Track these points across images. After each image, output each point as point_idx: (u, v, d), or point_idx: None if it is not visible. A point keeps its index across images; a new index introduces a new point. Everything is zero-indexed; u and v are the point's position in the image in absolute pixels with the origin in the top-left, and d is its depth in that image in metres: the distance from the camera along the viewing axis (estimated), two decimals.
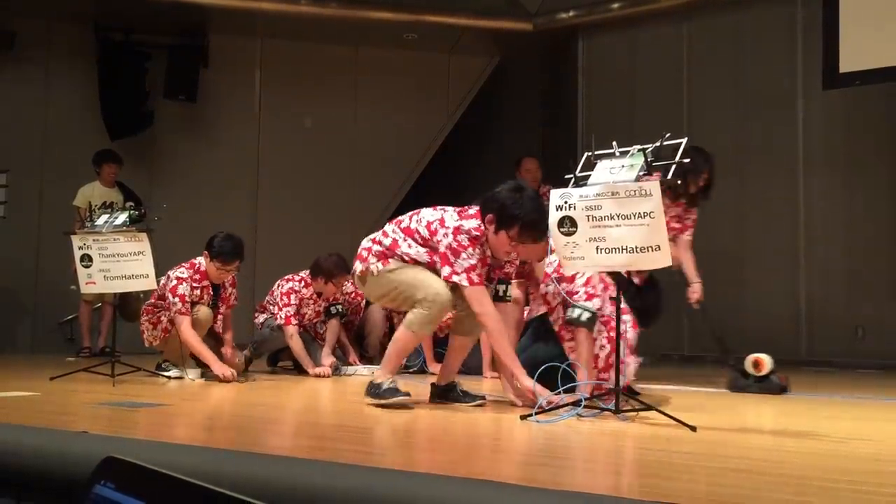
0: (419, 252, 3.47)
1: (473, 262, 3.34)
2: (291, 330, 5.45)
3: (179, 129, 8.64)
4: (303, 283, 5.65)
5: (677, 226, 4.87)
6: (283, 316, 5.49)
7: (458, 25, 8.63)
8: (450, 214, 3.50)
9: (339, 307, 5.76)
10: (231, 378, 4.74)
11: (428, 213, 3.55)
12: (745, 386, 4.38)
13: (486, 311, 3.34)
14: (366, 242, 3.63)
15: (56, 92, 8.38)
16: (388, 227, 3.61)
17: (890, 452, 2.57)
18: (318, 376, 5.29)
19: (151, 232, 4.73)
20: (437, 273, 3.42)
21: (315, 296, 5.67)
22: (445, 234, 3.39)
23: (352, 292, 5.89)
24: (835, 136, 7.21)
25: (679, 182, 4.45)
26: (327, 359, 5.52)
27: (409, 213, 3.62)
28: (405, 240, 3.51)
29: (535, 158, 6.84)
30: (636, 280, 4.41)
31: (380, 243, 3.55)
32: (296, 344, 5.44)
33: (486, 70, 9.43)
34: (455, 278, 3.33)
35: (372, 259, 3.51)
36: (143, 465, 0.74)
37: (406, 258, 3.48)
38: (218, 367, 4.81)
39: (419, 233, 3.48)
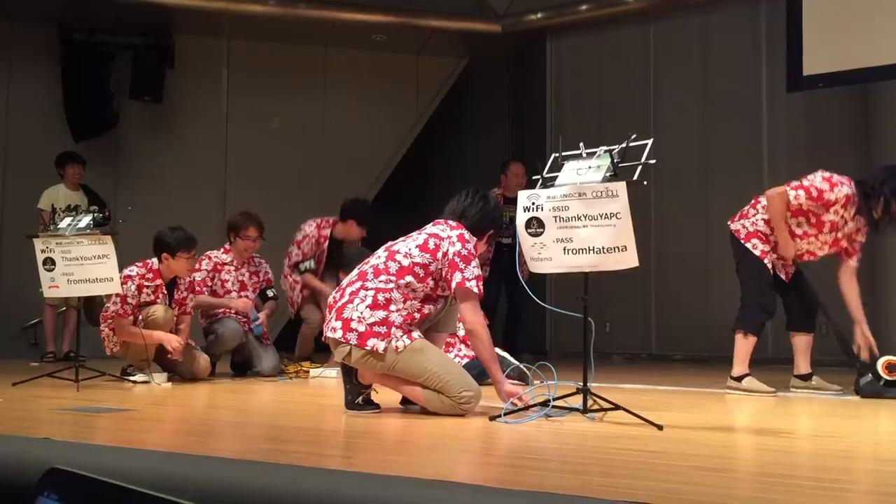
0: (426, 288, 3.33)
1: (479, 272, 3.33)
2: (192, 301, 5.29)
3: (145, 129, 8.55)
4: (222, 250, 5.61)
5: (844, 245, 4.42)
6: (187, 281, 5.24)
7: (426, 27, 8.63)
8: (440, 228, 3.42)
9: (274, 290, 5.74)
10: (180, 348, 4.82)
11: (411, 241, 3.40)
12: (880, 391, 4.04)
13: (479, 320, 3.32)
14: (366, 312, 3.24)
15: (19, 93, 8.25)
16: (379, 282, 3.29)
17: (854, 449, 2.61)
18: (238, 313, 5.39)
19: (116, 235, 4.67)
20: (433, 297, 3.37)
21: (236, 263, 5.62)
22: (452, 243, 3.32)
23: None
24: (798, 137, 7.30)
25: (872, 202, 4.22)
26: (265, 317, 5.59)
27: (384, 257, 3.38)
28: (408, 286, 3.29)
29: (521, 163, 6.84)
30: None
31: (386, 305, 3.25)
32: (200, 300, 5.38)
33: (455, 71, 9.44)
34: (468, 284, 3.26)
35: (397, 333, 3.23)
36: (88, 475, 0.72)
37: (418, 309, 3.33)
38: (167, 341, 4.81)
39: (418, 264, 3.30)
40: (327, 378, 5.27)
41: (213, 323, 5.50)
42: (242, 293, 5.62)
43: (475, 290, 3.28)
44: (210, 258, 5.57)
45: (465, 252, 3.31)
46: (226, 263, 5.59)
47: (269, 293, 5.72)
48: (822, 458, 2.38)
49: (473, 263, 3.32)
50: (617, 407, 3.02)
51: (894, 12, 6.32)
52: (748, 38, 7.59)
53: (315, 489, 1.72)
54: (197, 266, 5.39)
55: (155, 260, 5.01)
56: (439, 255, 3.31)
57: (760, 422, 3.37)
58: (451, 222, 3.45)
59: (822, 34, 6.62)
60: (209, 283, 5.51)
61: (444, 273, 3.32)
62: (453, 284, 3.29)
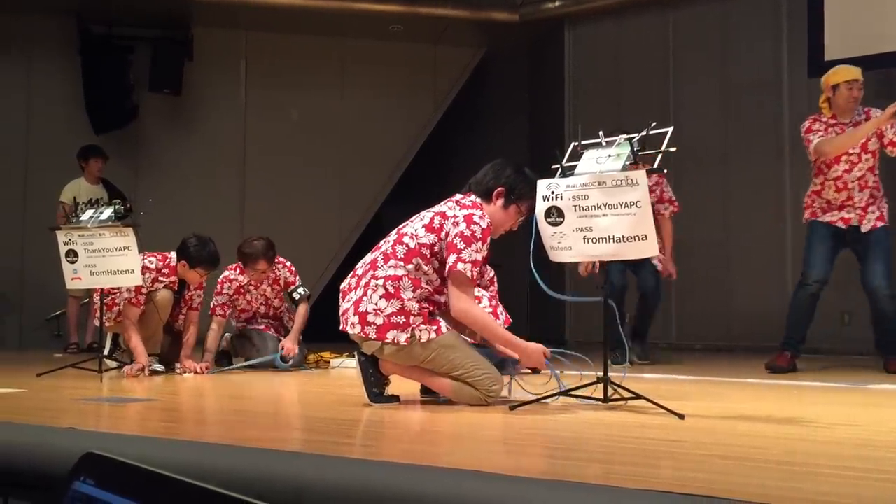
0: (433, 269, 3.25)
1: (479, 257, 3.19)
2: (215, 322, 5.28)
3: (165, 122, 8.61)
4: (238, 270, 5.45)
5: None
6: (211, 304, 5.34)
7: (443, 16, 8.62)
8: (448, 206, 3.32)
9: (302, 289, 5.51)
10: (137, 374, 4.68)
11: (418, 221, 3.31)
12: None
13: (465, 306, 3.19)
14: (381, 302, 3.16)
15: (39, 86, 8.33)
16: (389, 268, 3.20)
17: (875, 438, 2.59)
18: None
19: (138, 227, 4.72)
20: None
21: (254, 282, 5.46)
22: (455, 223, 3.20)
23: None
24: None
25: None
26: (291, 342, 5.30)
27: (393, 241, 3.29)
28: (418, 269, 3.21)
29: None
30: None
31: (397, 293, 3.16)
32: (210, 337, 5.23)
33: (473, 61, 9.43)
34: (460, 266, 3.14)
35: (417, 321, 3.17)
36: (124, 460, 0.73)
37: (429, 295, 3.26)
38: (144, 359, 4.77)
39: (424, 245, 3.22)
40: (348, 368, 5.29)
41: (255, 335, 5.45)
42: (268, 305, 5.57)
43: (468, 274, 3.14)
44: (230, 281, 5.43)
45: (468, 233, 3.17)
46: (244, 285, 5.47)
47: (296, 295, 5.49)
48: (843, 447, 2.37)
49: (474, 247, 3.17)
50: (638, 396, 3.02)
51: None
52: (768, 23, 7.52)
53: (340, 478, 1.73)
54: (218, 289, 5.39)
55: (174, 255, 5.07)
56: (443, 234, 3.21)
57: (782, 411, 3.35)
58: (465, 200, 3.36)
59: (844, 19, 6.55)
60: (230, 306, 5.44)
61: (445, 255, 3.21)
62: (447, 266, 3.18)
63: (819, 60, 6.66)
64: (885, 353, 4.97)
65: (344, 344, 4.70)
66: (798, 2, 7.07)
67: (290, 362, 5.31)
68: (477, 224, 3.21)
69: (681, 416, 2.80)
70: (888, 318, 4.83)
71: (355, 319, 3.22)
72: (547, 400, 3.17)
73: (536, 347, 3.25)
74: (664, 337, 7.81)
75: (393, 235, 3.35)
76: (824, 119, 4.96)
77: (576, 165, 3.13)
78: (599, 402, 3.07)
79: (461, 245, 3.16)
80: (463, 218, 3.22)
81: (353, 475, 1.74)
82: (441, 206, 3.37)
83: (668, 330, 7.84)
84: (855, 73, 4.90)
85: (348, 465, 1.85)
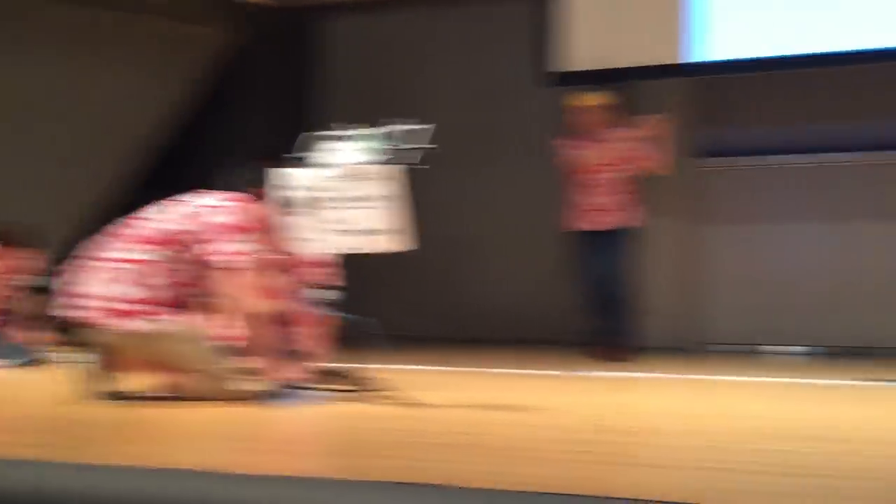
0: (184, 263, 3.14)
1: (240, 247, 3.12)
2: None
3: None
4: None
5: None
6: None
7: None
8: (201, 198, 3.23)
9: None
10: None
11: (166, 210, 3.21)
12: None
13: (237, 291, 3.12)
14: (120, 288, 3.05)
15: None
16: (131, 253, 3.10)
17: (583, 422, 2.81)
18: None
19: None
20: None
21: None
22: (212, 214, 3.14)
23: None
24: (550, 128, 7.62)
25: None
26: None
27: (136, 227, 3.18)
28: (162, 257, 3.10)
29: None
30: None
31: (137, 281, 3.05)
32: None
33: (225, 44, 9.08)
34: (219, 258, 3.09)
35: (160, 311, 3.07)
36: None
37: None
38: None
39: (173, 232, 3.13)
40: (70, 362, 4.89)
41: None
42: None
43: (230, 265, 3.10)
44: None
45: (230, 223, 3.14)
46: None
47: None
48: (558, 431, 2.56)
49: (239, 238, 3.13)
50: (374, 388, 3.08)
51: (652, 13, 6.85)
52: (516, 27, 7.83)
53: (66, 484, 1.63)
54: None
55: None
56: (195, 225, 3.14)
57: (504, 398, 3.53)
58: (221, 194, 3.27)
59: (586, 30, 7.04)
60: None
61: (202, 246, 3.13)
62: (206, 257, 3.12)
63: (560, 68, 7.09)
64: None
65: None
66: (542, 10, 7.43)
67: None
68: (235, 215, 3.17)
69: (415, 405, 2.90)
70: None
71: (90, 303, 3.09)
72: (294, 395, 3.13)
73: (286, 377, 3.14)
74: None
75: (138, 221, 3.23)
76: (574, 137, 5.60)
77: (329, 157, 3.12)
78: (341, 394, 3.11)
79: (219, 236, 3.11)
80: (220, 209, 3.17)
81: (77, 481, 1.63)
82: (194, 197, 3.27)
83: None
84: (592, 99, 5.63)
85: (63, 469, 1.73)
